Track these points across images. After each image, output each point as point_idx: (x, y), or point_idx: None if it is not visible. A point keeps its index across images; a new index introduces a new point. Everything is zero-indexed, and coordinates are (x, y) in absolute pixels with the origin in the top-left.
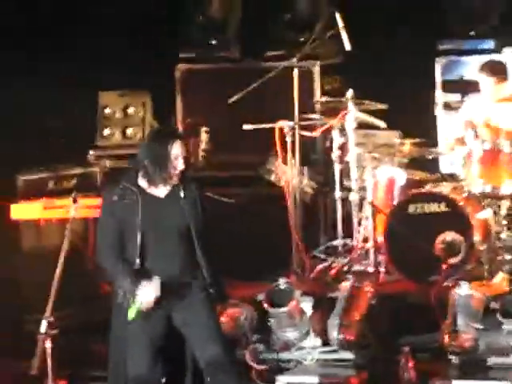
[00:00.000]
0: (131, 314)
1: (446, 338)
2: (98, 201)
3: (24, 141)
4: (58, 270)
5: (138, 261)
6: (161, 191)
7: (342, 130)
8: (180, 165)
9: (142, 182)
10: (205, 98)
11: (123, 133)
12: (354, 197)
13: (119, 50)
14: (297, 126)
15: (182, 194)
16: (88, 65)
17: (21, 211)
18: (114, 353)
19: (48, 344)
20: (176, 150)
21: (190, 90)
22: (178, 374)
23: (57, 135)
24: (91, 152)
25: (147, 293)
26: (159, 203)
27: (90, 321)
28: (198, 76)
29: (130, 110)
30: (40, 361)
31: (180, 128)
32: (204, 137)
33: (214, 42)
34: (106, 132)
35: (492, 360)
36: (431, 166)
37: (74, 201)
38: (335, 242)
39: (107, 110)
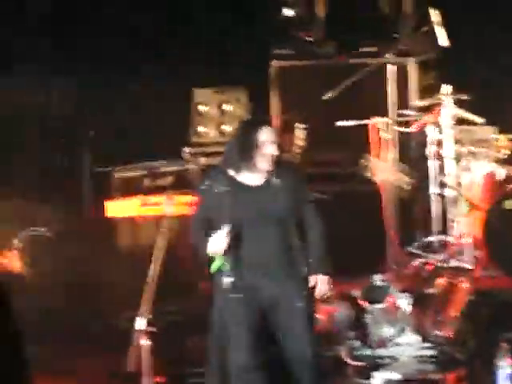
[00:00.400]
0: (213, 268)
1: None
2: (193, 198)
3: (120, 139)
4: (155, 268)
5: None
6: (253, 179)
7: (438, 126)
8: (270, 150)
9: (231, 171)
10: (299, 95)
11: (218, 130)
12: (449, 193)
13: (215, 46)
14: (392, 123)
15: (276, 181)
16: (182, 62)
17: (117, 209)
18: (215, 342)
19: (144, 341)
20: (264, 136)
21: (284, 86)
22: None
23: (152, 132)
24: (186, 149)
25: (215, 242)
26: (251, 191)
27: (187, 319)
28: (293, 72)
29: (226, 107)
30: (136, 358)
31: (276, 124)
32: (300, 134)
33: (308, 39)
34: (201, 129)
35: None
36: None
37: (170, 198)
38: (431, 238)
39: (202, 107)
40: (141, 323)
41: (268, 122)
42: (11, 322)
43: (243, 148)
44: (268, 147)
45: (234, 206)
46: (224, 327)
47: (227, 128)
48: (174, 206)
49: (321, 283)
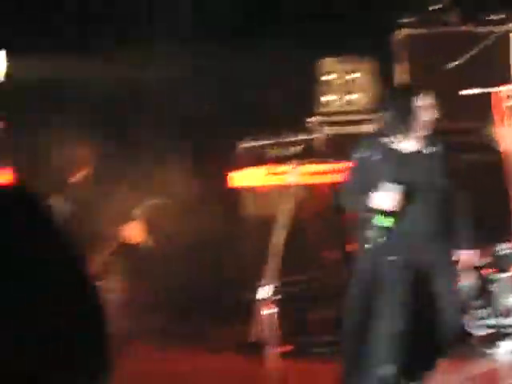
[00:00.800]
0: (379, 224)
1: None
2: (319, 167)
3: (246, 108)
4: (278, 238)
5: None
6: (409, 146)
7: None
8: (429, 115)
9: (389, 138)
10: (424, 63)
11: (345, 99)
12: None
13: (341, 15)
14: None
15: (429, 150)
16: (310, 30)
17: (242, 178)
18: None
19: (268, 311)
20: (422, 101)
21: (409, 55)
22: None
23: (278, 102)
24: (313, 119)
25: (386, 197)
26: (407, 159)
27: (311, 288)
28: (418, 41)
29: (352, 76)
30: (259, 328)
31: None
32: None
33: (434, 7)
34: (328, 98)
35: None
36: None
37: (294, 167)
38: None
39: (328, 76)
40: (264, 293)
41: (425, 88)
42: (91, 296)
43: (402, 114)
44: (427, 112)
45: (391, 172)
46: (368, 290)
47: (353, 97)
48: (299, 175)
49: (470, 256)
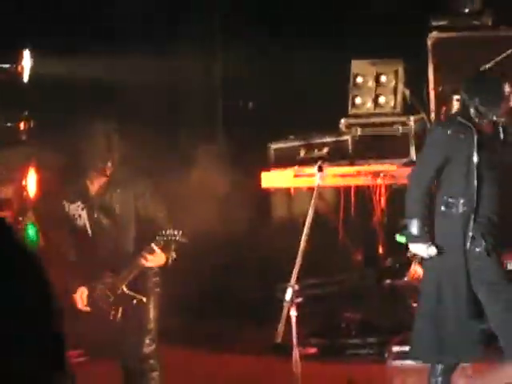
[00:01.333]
0: (400, 239)
1: None
2: (348, 169)
3: (277, 110)
4: (303, 239)
5: (475, 197)
6: (489, 128)
7: None
8: (510, 102)
9: (476, 119)
10: (457, 67)
11: (375, 101)
12: None
13: (373, 18)
14: None
15: (502, 133)
16: (341, 33)
17: (272, 179)
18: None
19: (293, 312)
20: (507, 87)
21: (441, 58)
22: None
23: (309, 104)
24: (343, 120)
25: (419, 251)
26: (488, 140)
27: (339, 290)
28: (450, 44)
29: (382, 79)
30: (285, 329)
31: (432, 96)
32: (456, 105)
33: (466, 10)
34: (358, 100)
35: None
36: None
37: (320, 169)
38: None
39: (359, 79)
40: (289, 294)
41: (508, 75)
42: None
43: (491, 98)
44: (510, 98)
45: (475, 150)
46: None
47: (383, 100)
48: (325, 177)
49: None
